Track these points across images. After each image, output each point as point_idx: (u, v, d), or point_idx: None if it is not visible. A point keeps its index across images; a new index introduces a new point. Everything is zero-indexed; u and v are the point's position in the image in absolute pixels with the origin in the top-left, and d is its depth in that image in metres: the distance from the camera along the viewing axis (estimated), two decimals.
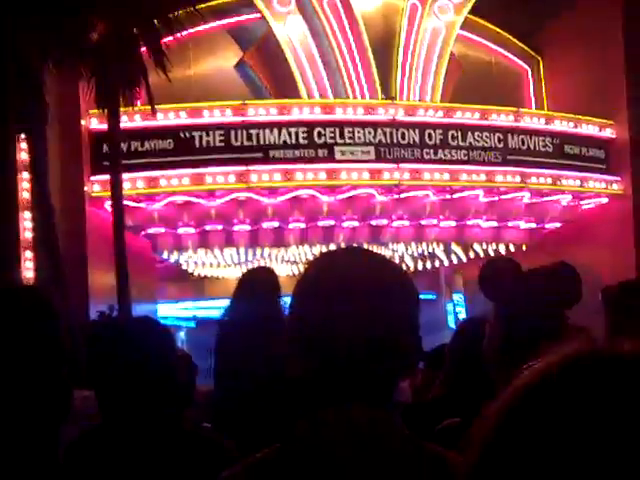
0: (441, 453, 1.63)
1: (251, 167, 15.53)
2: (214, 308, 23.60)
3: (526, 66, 20.31)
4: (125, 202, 15.54)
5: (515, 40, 19.90)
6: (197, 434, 2.68)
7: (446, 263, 21.24)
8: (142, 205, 15.98)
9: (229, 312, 4.87)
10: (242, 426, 4.13)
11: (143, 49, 13.68)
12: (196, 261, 19.30)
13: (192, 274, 20.58)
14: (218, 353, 4.75)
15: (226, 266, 20.36)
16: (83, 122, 15.24)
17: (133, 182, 15.47)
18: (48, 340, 1.63)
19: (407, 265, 21.10)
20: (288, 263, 20.20)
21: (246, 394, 4.33)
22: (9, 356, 1.56)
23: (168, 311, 21.62)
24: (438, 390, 3.77)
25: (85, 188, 15.23)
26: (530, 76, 20.29)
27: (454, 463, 1.55)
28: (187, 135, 15.53)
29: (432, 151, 16.30)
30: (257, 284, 4.80)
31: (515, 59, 20.13)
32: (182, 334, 22.85)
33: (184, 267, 19.75)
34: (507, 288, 2.53)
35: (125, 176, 15.09)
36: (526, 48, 20.06)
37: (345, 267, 1.63)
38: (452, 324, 23.00)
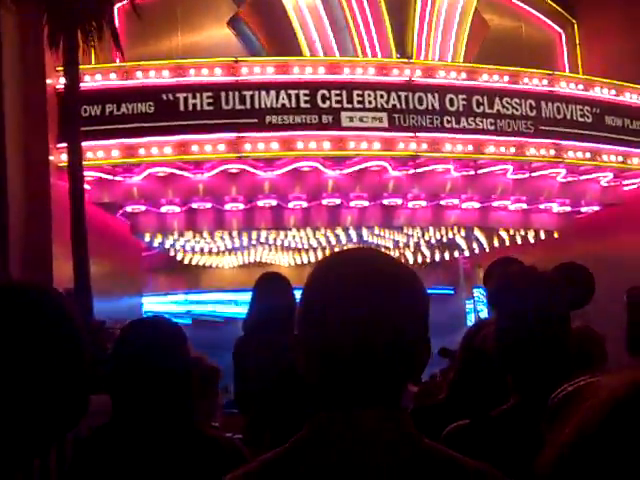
0: (451, 456, 1.62)
1: (244, 134, 13.36)
2: (209, 302, 21.53)
3: (559, 29, 18.14)
4: (99, 175, 13.64)
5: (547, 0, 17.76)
6: (203, 433, 2.76)
7: (467, 253, 19.07)
8: (118, 178, 13.85)
9: (248, 314, 5.16)
10: (260, 423, 4.33)
11: None
12: (184, 247, 17.15)
13: (182, 262, 18.38)
14: (237, 354, 5.03)
15: (220, 254, 18.23)
16: (49, 81, 13.12)
17: (107, 151, 13.38)
18: (65, 339, 1.56)
19: (423, 254, 18.97)
20: (289, 251, 18.08)
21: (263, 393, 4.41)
22: (24, 356, 1.49)
23: (156, 305, 19.49)
24: (446, 392, 3.79)
25: (51, 157, 13.07)
26: (564, 40, 18.11)
27: (464, 466, 1.60)
28: (170, 97, 13.39)
29: (454, 119, 14.09)
30: (273, 283, 5.13)
31: (547, 21, 17.97)
32: None
33: (172, 254, 17.58)
34: (494, 291, 2.65)
35: (98, 143, 13.20)
36: (559, 9, 17.88)
37: (353, 270, 1.59)
38: (472, 322, 20.84)
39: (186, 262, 18.37)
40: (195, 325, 20.15)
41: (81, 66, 12.68)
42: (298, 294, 1.63)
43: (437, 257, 19.33)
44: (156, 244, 16.19)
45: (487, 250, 18.38)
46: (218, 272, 19.83)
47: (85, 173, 13.02)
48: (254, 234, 16.14)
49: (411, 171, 14.32)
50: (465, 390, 3.38)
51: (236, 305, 21.50)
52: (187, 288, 20.50)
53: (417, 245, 18.31)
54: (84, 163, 12.51)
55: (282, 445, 1.61)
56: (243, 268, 19.39)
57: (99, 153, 13.34)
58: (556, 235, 17.01)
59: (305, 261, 18.94)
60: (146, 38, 15.54)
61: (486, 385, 3.03)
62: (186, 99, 13.40)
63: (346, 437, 1.53)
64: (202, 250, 17.69)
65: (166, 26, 15.82)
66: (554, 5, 17.94)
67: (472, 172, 14.68)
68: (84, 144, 12.40)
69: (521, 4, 17.70)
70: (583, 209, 16.59)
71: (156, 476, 2.58)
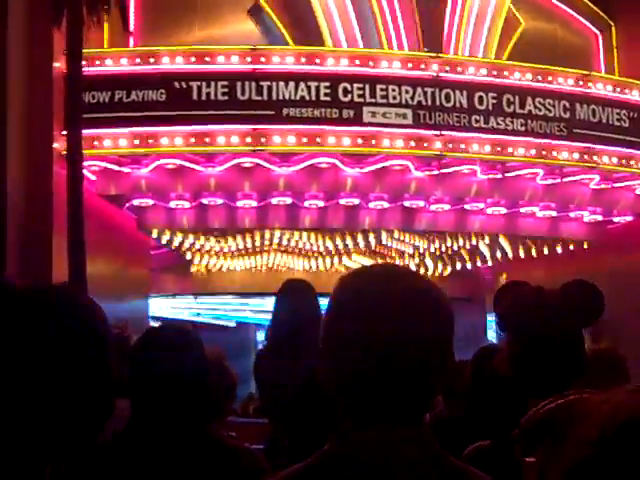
0: (477, 475, 1.62)
1: (260, 126, 12.62)
2: (219, 306, 20.79)
3: (596, 30, 17.31)
4: (105, 165, 12.95)
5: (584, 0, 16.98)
6: (223, 444, 2.72)
7: (490, 262, 18.22)
8: (126, 169, 13.13)
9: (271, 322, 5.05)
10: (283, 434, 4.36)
11: None
12: (193, 245, 16.41)
13: (192, 263, 17.64)
14: (260, 365, 4.98)
15: (230, 256, 17.50)
16: (56, 64, 12.43)
17: (115, 140, 12.67)
18: (93, 342, 1.55)
19: (444, 262, 18.17)
20: (303, 256, 17.35)
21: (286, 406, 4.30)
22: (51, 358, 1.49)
23: (163, 308, 18.75)
24: (455, 409, 3.91)
25: (55, 145, 12.36)
26: (600, 42, 17.29)
27: None
28: (184, 85, 12.67)
29: (482, 118, 13.30)
30: (297, 291, 5.00)
31: (584, 21, 17.16)
32: None
33: (181, 253, 16.85)
34: (504, 315, 2.65)
35: (105, 131, 12.53)
36: (597, 10, 17.07)
37: (381, 287, 1.59)
38: (492, 337, 19.98)
39: (196, 263, 17.64)
40: (204, 329, 19.43)
41: (91, 49, 12.09)
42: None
43: (458, 265, 18.52)
44: (164, 241, 15.47)
45: (511, 259, 17.58)
46: (229, 275, 19.08)
47: (91, 163, 12.46)
48: (267, 234, 15.39)
49: (435, 172, 13.53)
50: (482, 410, 3.47)
51: (247, 310, 20.82)
52: (196, 291, 19.74)
53: (438, 252, 17.51)
54: (90, 152, 11.90)
55: (301, 455, 1.59)
56: (255, 272, 18.66)
57: (106, 142, 12.66)
58: (585, 246, 16.21)
59: (321, 267, 18.21)
60: (163, 29, 14.92)
61: (503, 407, 3.12)
62: (200, 88, 12.69)
63: (373, 454, 1.51)
64: (211, 252, 16.94)
65: (184, 16, 15.14)
66: (592, 6, 17.14)
67: (499, 175, 13.86)
68: (91, 132, 11.78)
69: (557, 3, 16.89)
70: (615, 219, 15.75)
71: None
